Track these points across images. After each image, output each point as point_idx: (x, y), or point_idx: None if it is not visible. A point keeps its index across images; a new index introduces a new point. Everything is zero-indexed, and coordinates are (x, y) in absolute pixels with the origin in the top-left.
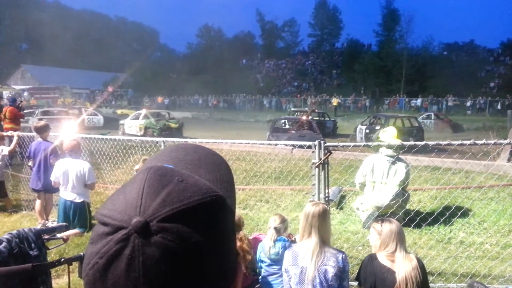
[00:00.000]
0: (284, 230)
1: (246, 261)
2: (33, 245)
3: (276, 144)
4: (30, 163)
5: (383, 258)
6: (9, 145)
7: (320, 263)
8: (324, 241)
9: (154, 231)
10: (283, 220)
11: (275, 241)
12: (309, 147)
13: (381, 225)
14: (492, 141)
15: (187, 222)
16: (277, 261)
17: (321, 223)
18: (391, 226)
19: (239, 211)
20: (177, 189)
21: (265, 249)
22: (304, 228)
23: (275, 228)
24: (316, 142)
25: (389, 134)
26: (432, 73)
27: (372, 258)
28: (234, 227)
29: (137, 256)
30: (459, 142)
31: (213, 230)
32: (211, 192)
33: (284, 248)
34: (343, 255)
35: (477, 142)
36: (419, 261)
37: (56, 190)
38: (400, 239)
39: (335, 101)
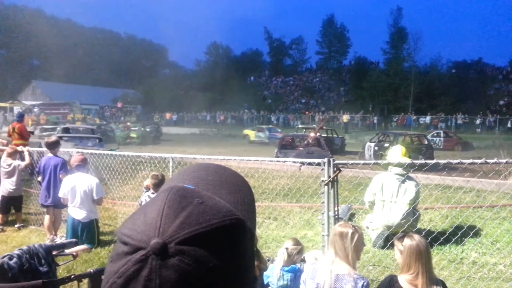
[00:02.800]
0: (297, 253)
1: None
2: (43, 261)
3: (284, 161)
4: (39, 178)
5: (404, 282)
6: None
7: (335, 283)
8: (344, 260)
9: (171, 253)
10: (297, 243)
11: (285, 270)
12: (318, 164)
13: (402, 243)
14: (504, 160)
15: (205, 246)
16: None
17: (338, 243)
18: (411, 243)
19: None
20: (196, 211)
21: (273, 275)
22: (328, 244)
23: (287, 249)
24: (325, 160)
25: (395, 153)
26: (440, 91)
27: (392, 280)
28: (253, 251)
29: (154, 278)
30: (470, 160)
31: (231, 254)
32: (231, 215)
33: (294, 279)
34: (364, 282)
35: (488, 161)
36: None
37: (65, 206)
38: (422, 259)
39: (345, 117)
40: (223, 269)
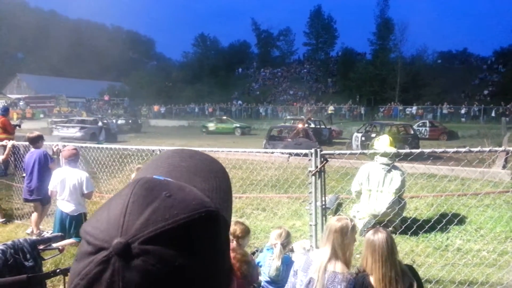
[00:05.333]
0: (287, 244)
1: (241, 271)
2: (28, 256)
3: (272, 152)
4: (24, 174)
5: (373, 280)
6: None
7: (329, 281)
8: (340, 258)
9: (135, 253)
10: (288, 235)
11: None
12: (306, 155)
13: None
14: (487, 149)
15: (170, 244)
16: (276, 281)
17: (337, 239)
18: (368, 237)
19: (236, 220)
20: (163, 206)
21: (271, 267)
22: (322, 238)
23: (282, 245)
24: (313, 150)
25: (383, 143)
26: (426, 81)
27: (364, 281)
28: (227, 242)
29: (116, 281)
30: (455, 149)
31: (200, 251)
32: (201, 208)
33: (286, 269)
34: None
35: (472, 149)
36: (415, 276)
37: (49, 200)
38: (383, 256)
39: (330, 109)
40: (191, 267)
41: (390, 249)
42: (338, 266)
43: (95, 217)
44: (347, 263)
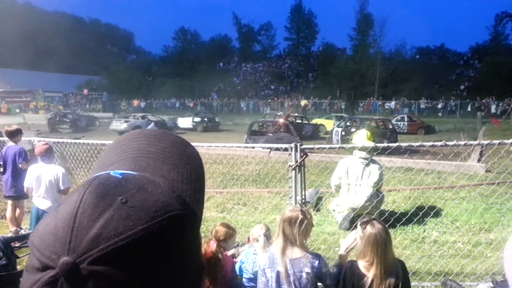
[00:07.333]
0: (268, 238)
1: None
2: (1, 254)
3: (253, 147)
4: (1, 169)
5: (363, 268)
6: None
7: (294, 268)
8: (295, 246)
9: (84, 275)
10: (268, 229)
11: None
12: (286, 149)
13: (362, 230)
14: (463, 142)
15: (125, 262)
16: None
17: (287, 229)
18: (371, 232)
19: (217, 215)
20: (117, 217)
21: (255, 262)
22: (276, 230)
23: (266, 236)
24: (293, 145)
25: (361, 137)
26: (405, 77)
27: (353, 266)
28: (197, 241)
29: None
30: (431, 143)
31: (162, 265)
32: (163, 214)
33: None
34: (320, 260)
35: (448, 143)
36: (404, 271)
37: (27, 196)
38: (378, 249)
39: (303, 102)
40: (150, 284)
41: (390, 240)
42: (296, 252)
43: (43, 224)
44: (304, 247)
